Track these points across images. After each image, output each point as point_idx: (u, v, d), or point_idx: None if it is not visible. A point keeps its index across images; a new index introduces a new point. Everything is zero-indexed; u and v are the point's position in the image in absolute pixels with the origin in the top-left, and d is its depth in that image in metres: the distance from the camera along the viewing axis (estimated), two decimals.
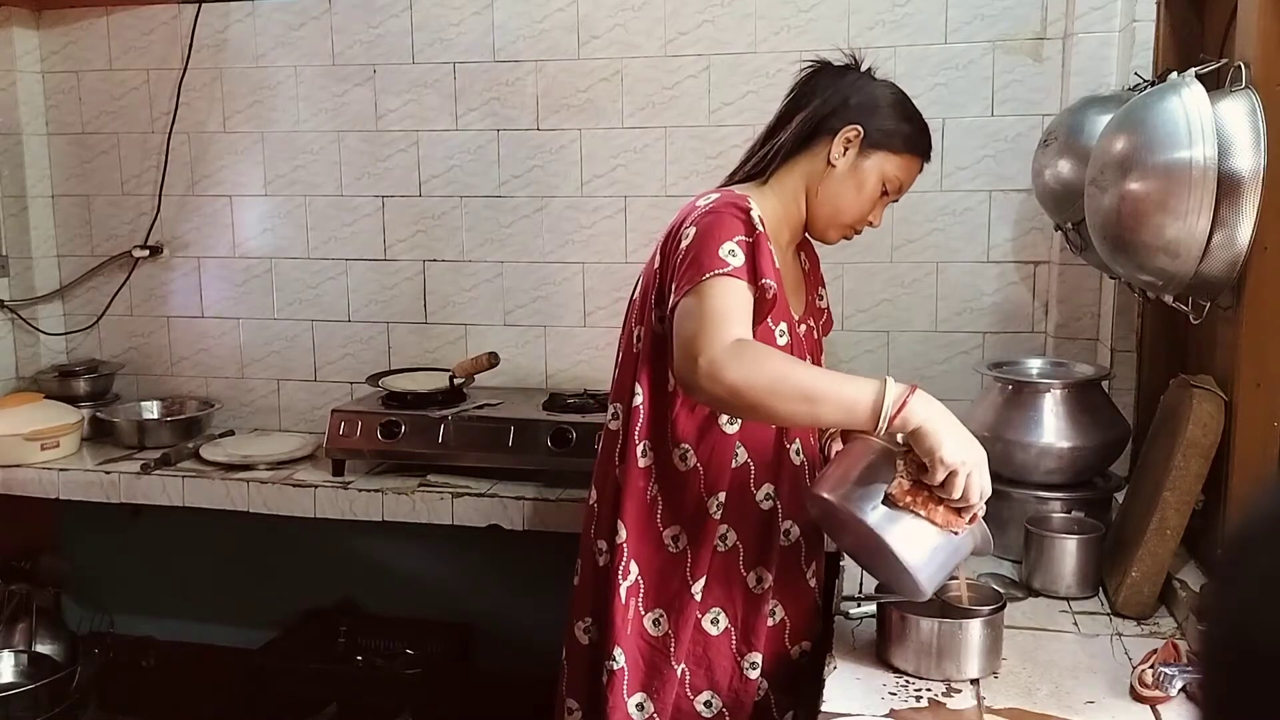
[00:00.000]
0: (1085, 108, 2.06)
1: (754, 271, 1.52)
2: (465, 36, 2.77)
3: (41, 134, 3.08)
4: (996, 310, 2.56)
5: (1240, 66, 1.51)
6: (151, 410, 3.03)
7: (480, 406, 2.64)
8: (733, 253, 1.52)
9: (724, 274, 1.49)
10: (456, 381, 2.69)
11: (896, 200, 1.74)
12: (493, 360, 2.68)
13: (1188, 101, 1.49)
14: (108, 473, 2.69)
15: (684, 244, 1.56)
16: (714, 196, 1.62)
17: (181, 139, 2.99)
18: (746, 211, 1.57)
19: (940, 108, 2.52)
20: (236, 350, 3.05)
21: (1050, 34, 2.45)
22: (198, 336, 3.08)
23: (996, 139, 2.51)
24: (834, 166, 1.66)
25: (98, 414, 2.94)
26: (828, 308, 1.92)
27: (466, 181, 2.83)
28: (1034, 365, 2.17)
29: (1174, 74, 1.59)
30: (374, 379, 2.78)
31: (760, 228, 1.56)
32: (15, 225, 3.07)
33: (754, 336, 1.51)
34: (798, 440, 1.70)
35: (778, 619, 1.72)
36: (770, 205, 1.67)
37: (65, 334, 3.15)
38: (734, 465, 1.65)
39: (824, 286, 1.91)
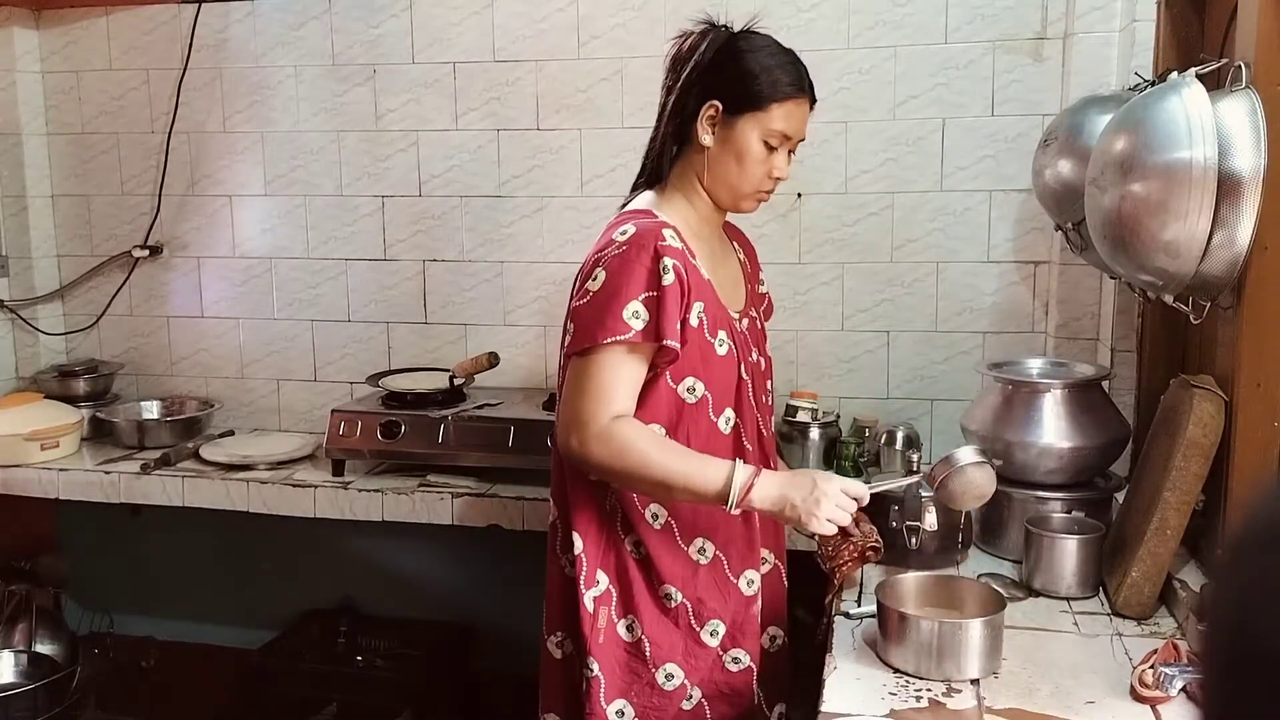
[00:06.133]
0: (1085, 108, 2.06)
1: (659, 329, 1.53)
2: (465, 36, 2.77)
3: (41, 134, 3.08)
4: (997, 310, 2.56)
5: (1240, 66, 1.51)
6: (151, 410, 3.03)
7: (480, 406, 2.64)
8: (636, 314, 1.53)
9: (621, 341, 1.52)
10: (456, 381, 2.69)
11: (795, 147, 1.67)
12: (493, 360, 2.68)
13: (1188, 101, 1.49)
14: (107, 473, 2.69)
15: (591, 286, 1.56)
16: (629, 228, 1.58)
17: (181, 139, 2.99)
18: (658, 257, 1.54)
19: (940, 108, 2.52)
20: (236, 350, 3.05)
21: (1050, 34, 2.45)
22: (198, 336, 3.08)
23: (996, 139, 2.50)
24: (708, 149, 1.64)
25: (97, 414, 2.94)
26: (768, 293, 1.90)
27: (466, 181, 2.83)
28: (1034, 365, 2.17)
29: (1174, 74, 1.59)
30: (374, 379, 2.78)
31: (669, 275, 1.53)
32: (15, 225, 3.07)
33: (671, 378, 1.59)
34: (749, 443, 1.68)
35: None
36: (679, 208, 1.66)
37: (65, 334, 3.15)
38: None
39: (761, 271, 1.89)
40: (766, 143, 1.62)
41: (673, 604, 1.64)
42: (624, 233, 1.58)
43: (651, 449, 1.53)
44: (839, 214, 2.60)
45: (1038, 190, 2.16)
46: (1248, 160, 1.45)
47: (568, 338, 1.60)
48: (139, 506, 2.74)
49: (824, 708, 1.45)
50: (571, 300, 1.62)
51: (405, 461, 2.63)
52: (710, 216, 1.71)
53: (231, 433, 2.99)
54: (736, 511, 1.54)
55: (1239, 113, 1.47)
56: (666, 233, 1.57)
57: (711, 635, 1.66)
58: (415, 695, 2.71)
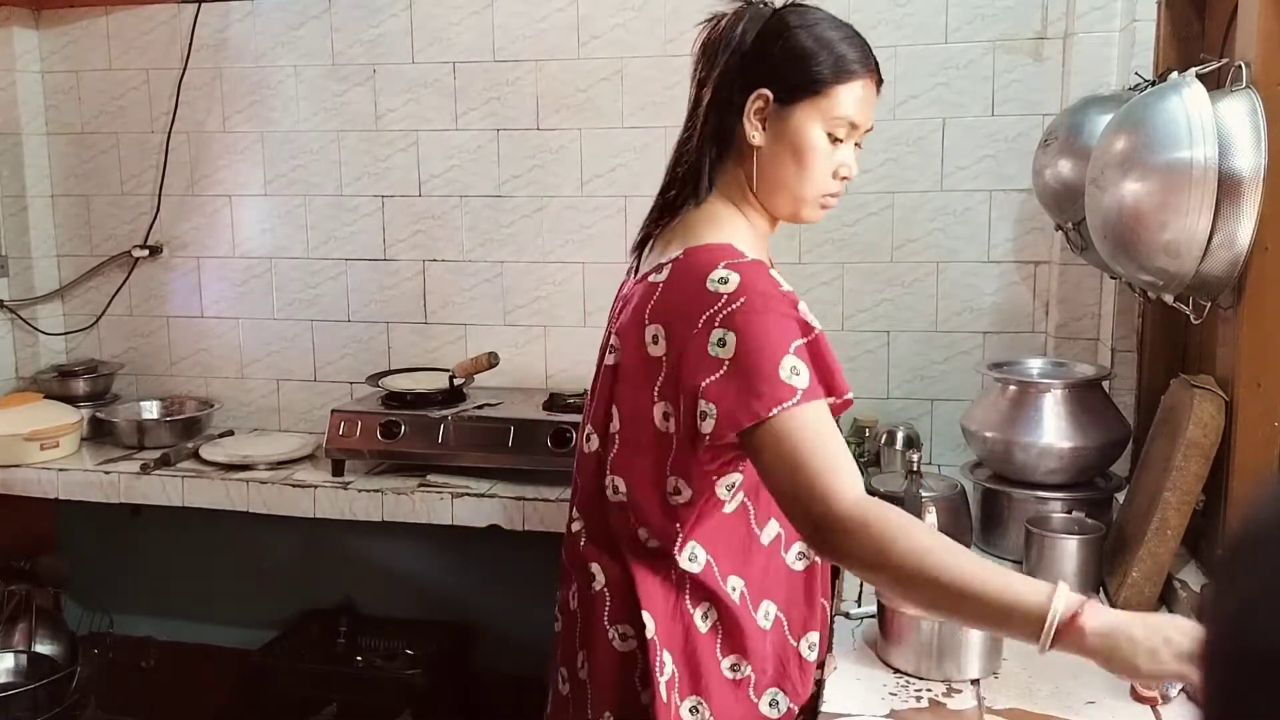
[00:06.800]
0: (1086, 107, 2.06)
1: (829, 380, 1.28)
2: (465, 36, 2.77)
3: (41, 134, 3.08)
4: (997, 310, 2.56)
5: (1240, 66, 1.51)
6: (151, 410, 3.03)
7: (480, 406, 2.64)
8: (795, 370, 1.25)
9: (795, 405, 1.23)
10: (456, 381, 2.69)
11: (863, 136, 1.45)
12: (493, 360, 2.68)
13: (1188, 101, 1.49)
14: (107, 473, 2.69)
15: (719, 352, 1.27)
16: (728, 275, 1.30)
17: (181, 139, 2.99)
18: (791, 301, 1.29)
19: (940, 108, 2.52)
20: (236, 350, 3.05)
21: (1050, 34, 2.45)
22: (197, 336, 3.08)
23: (997, 139, 2.50)
24: (759, 148, 1.38)
25: (97, 414, 2.94)
26: None
27: (466, 181, 2.83)
28: (1034, 365, 2.17)
29: (1174, 74, 1.59)
30: (374, 379, 2.78)
31: (811, 317, 1.29)
32: (15, 225, 3.07)
33: None
34: None
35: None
36: (739, 230, 1.41)
37: (65, 334, 3.15)
38: (765, 541, 1.45)
39: None
40: (831, 134, 1.38)
41: (738, 676, 1.43)
42: (724, 280, 1.29)
43: (924, 541, 1.18)
44: (839, 214, 2.59)
45: (1038, 190, 2.16)
46: (1248, 160, 1.45)
47: (707, 422, 1.27)
48: (139, 506, 2.74)
49: (824, 708, 1.45)
50: (684, 372, 1.31)
51: (405, 461, 2.63)
52: (766, 232, 1.46)
53: (231, 433, 2.99)
54: (1047, 650, 1.13)
55: (1239, 112, 1.47)
56: (774, 274, 1.34)
57: (771, 705, 1.45)
58: (415, 695, 2.71)
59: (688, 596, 1.40)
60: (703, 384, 1.27)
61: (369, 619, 2.96)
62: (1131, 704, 1.43)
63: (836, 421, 1.32)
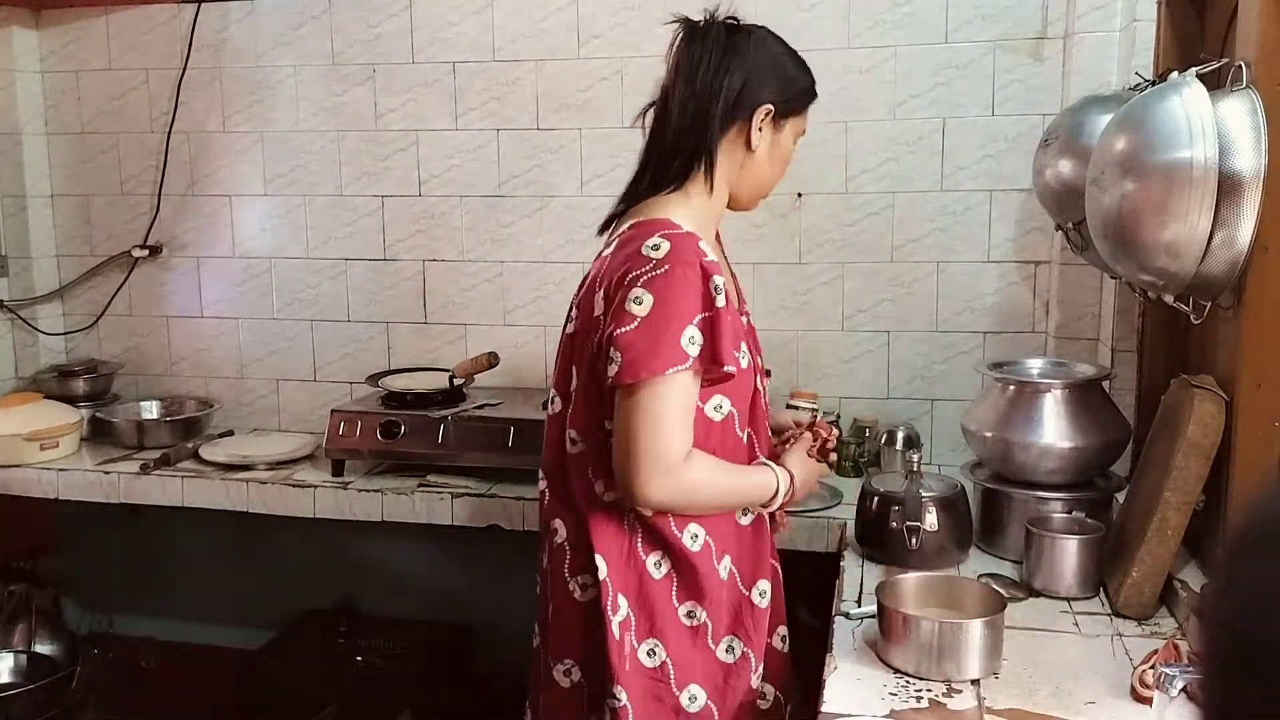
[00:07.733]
0: (1086, 107, 2.06)
1: (715, 351, 1.46)
2: (465, 36, 2.77)
3: (41, 134, 3.08)
4: (997, 310, 2.56)
5: (1240, 66, 1.51)
6: (151, 410, 3.03)
7: (480, 406, 2.64)
8: (692, 340, 1.45)
9: (681, 370, 1.44)
10: (456, 381, 2.69)
11: None
12: (493, 360, 2.68)
13: (1188, 101, 1.49)
14: (107, 473, 2.69)
15: (634, 309, 1.45)
16: (661, 243, 1.48)
17: (181, 139, 2.99)
18: (707, 275, 1.47)
19: (940, 108, 2.52)
20: (236, 350, 3.05)
21: (1051, 34, 2.45)
22: (197, 336, 3.08)
23: (997, 139, 2.50)
24: (754, 151, 1.59)
25: (97, 414, 2.93)
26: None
27: (466, 181, 2.82)
28: (1035, 365, 2.17)
29: (1175, 74, 1.59)
30: (374, 379, 2.78)
31: (721, 296, 1.46)
32: (15, 225, 3.06)
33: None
34: (762, 455, 1.66)
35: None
36: (694, 212, 1.57)
37: (65, 334, 3.15)
38: None
39: None
40: (794, 141, 1.64)
41: (695, 622, 1.56)
42: (656, 248, 1.48)
43: (720, 479, 1.54)
44: (839, 214, 2.60)
45: (1038, 190, 2.16)
46: (1248, 160, 1.45)
47: (613, 366, 1.45)
48: (139, 506, 2.74)
49: (824, 708, 1.45)
50: (605, 324, 1.49)
51: (405, 461, 2.63)
52: (716, 217, 1.64)
53: (231, 433, 2.99)
54: (774, 508, 1.61)
55: (1239, 112, 1.47)
56: (703, 245, 1.50)
57: (728, 652, 1.59)
58: (415, 695, 2.71)
59: (640, 544, 1.55)
60: (616, 333, 1.46)
61: (369, 619, 2.96)
62: (1132, 704, 1.44)
63: (762, 390, 1.65)
